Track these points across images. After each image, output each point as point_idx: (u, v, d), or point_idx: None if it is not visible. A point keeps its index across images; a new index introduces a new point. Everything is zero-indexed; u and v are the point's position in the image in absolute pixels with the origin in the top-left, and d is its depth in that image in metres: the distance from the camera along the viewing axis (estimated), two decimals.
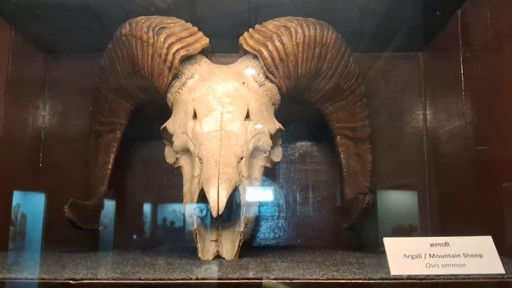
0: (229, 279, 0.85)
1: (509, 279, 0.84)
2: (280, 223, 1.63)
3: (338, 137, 1.46)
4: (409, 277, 0.84)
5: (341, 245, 1.51)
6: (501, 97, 1.17)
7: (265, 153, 1.22)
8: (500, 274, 0.85)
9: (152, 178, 1.64)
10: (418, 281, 0.83)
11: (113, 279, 0.86)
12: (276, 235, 1.62)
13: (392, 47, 1.64)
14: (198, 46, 1.27)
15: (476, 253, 0.87)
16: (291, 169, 1.66)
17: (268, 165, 1.25)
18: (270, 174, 1.51)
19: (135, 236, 1.62)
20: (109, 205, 1.51)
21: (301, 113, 1.53)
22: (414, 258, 0.86)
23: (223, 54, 1.59)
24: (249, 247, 1.43)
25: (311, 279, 0.84)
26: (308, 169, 1.67)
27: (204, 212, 1.13)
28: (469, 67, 1.35)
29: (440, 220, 1.54)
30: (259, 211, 1.52)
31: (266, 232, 1.62)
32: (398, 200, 1.64)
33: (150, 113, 1.46)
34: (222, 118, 1.17)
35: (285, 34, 1.25)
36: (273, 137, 1.24)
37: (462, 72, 1.37)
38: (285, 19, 1.29)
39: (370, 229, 1.46)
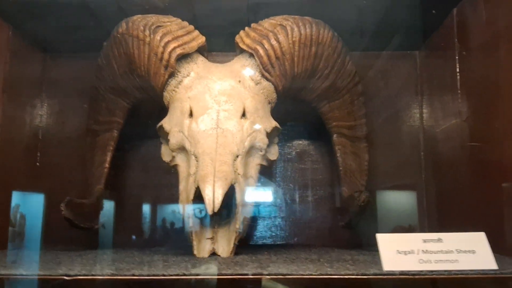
0: (223, 275, 0.85)
1: (502, 275, 0.84)
2: (276, 222, 1.63)
3: (335, 135, 1.46)
4: (402, 273, 0.84)
5: (338, 243, 1.51)
6: (497, 95, 1.18)
7: (261, 151, 1.22)
8: (493, 270, 0.85)
9: (149, 176, 1.64)
10: (411, 276, 0.83)
11: (108, 275, 0.86)
12: (273, 234, 1.62)
13: (389, 46, 1.64)
14: (194, 45, 1.27)
15: (469, 249, 0.87)
16: (288, 168, 1.66)
17: (264, 163, 1.25)
18: (267, 172, 1.51)
19: (134, 237, 1.62)
20: (107, 204, 1.51)
21: (297, 111, 1.52)
22: (407, 254, 0.86)
23: (219, 52, 1.58)
24: (245, 246, 1.43)
25: (304, 275, 0.84)
26: (305, 167, 1.67)
27: (203, 213, 1.13)
28: (465, 66, 1.35)
29: (437, 218, 1.54)
30: (255, 209, 1.53)
31: (262, 231, 1.62)
32: (395, 199, 1.64)
33: (147, 112, 1.46)
34: (218, 117, 1.17)
35: (281, 32, 1.25)
36: (269, 135, 1.24)
37: (458, 70, 1.38)
38: (281, 18, 1.29)
39: (366, 227, 1.46)
